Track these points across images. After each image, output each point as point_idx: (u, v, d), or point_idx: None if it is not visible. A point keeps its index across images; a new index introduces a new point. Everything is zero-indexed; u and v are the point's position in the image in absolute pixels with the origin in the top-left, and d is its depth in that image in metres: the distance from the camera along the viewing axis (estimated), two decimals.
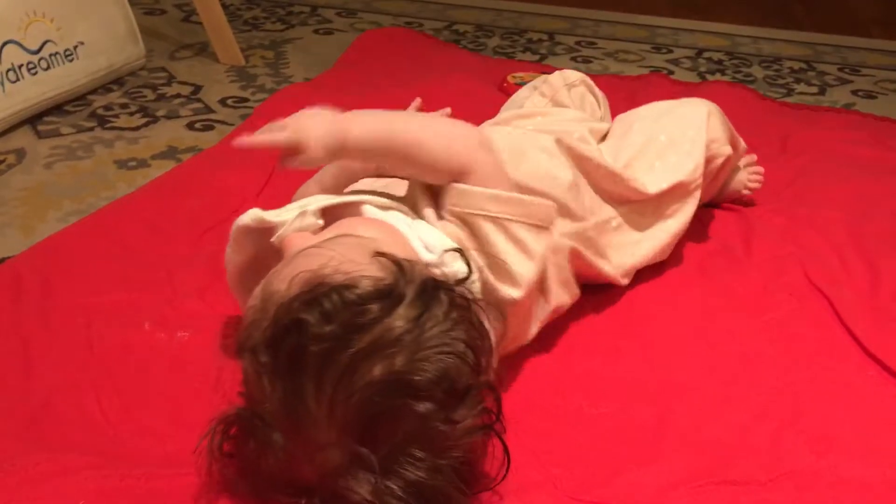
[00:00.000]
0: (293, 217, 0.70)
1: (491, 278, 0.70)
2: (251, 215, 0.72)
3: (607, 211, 0.88)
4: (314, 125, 0.71)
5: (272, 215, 0.71)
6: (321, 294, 0.56)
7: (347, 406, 0.55)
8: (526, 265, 0.72)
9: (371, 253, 0.62)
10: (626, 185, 0.88)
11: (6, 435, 0.68)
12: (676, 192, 0.91)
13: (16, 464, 0.64)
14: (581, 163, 0.86)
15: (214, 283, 0.88)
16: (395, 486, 0.55)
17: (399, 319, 0.56)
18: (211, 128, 1.29)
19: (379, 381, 0.55)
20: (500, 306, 0.70)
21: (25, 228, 0.99)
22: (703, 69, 1.70)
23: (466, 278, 0.65)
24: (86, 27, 1.35)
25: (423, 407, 0.55)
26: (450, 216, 0.72)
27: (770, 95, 1.53)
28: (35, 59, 1.26)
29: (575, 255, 0.81)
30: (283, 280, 0.59)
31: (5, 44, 1.21)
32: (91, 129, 1.26)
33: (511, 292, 0.71)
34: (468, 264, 0.67)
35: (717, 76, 1.66)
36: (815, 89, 1.61)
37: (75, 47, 1.33)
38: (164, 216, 0.99)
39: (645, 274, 0.93)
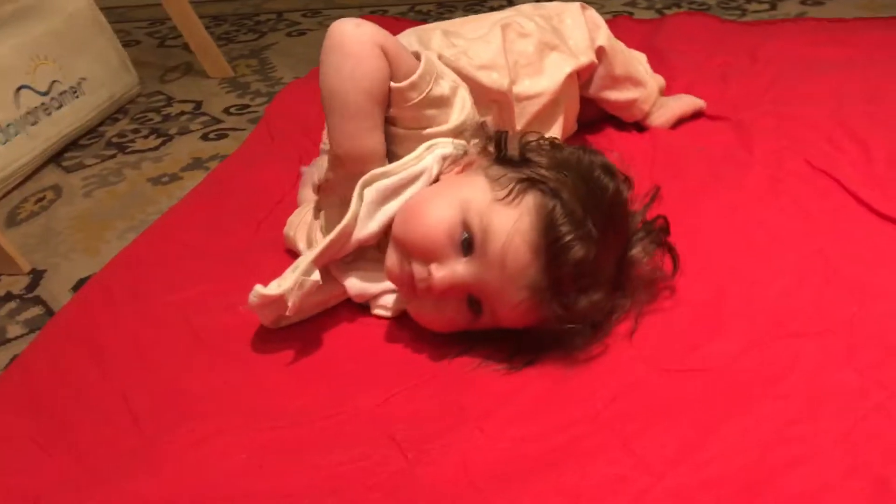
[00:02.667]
0: (290, 286, 0.77)
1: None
2: (255, 293, 0.78)
3: None
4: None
5: (273, 289, 0.78)
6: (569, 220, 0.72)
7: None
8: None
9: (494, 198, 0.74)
10: None
11: (148, 415, 0.75)
12: None
13: (171, 433, 0.72)
14: None
15: (289, 260, 0.95)
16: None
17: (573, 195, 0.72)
18: (225, 136, 1.36)
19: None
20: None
21: (90, 250, 1.06)
22: (659, 6, 1.80)
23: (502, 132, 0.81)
24: (84, 63, 1.41)
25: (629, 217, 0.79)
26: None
27: (728, 18, 1.63)
28: (47, 99, 1.32)
29: None
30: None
31: (20, 88, 1.27)
32: (113, 156, 1.32)
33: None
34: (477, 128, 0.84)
35: (674, 10, 1.76)
36: (766, 6, 1.72)
37: (79, 83, 1.39)
38: (218, 215, 1.07)
39: (667, 186, 1.01)
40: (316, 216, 0.95)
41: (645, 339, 0.77)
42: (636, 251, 0.79)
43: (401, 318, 0.84)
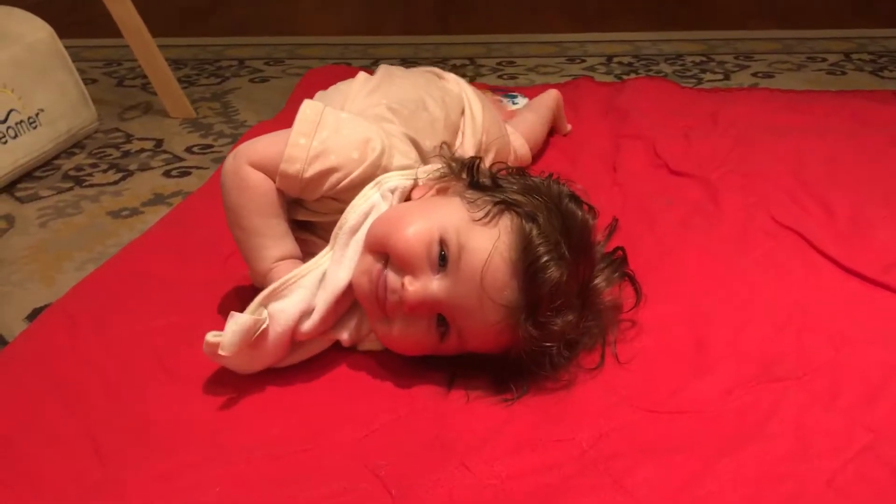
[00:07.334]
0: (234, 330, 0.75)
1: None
2: (209, 342, 0.75)
3: None
4: None
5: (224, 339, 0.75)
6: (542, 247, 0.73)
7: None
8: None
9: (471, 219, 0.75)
10: None
11: (114, 450, 0.70)
12: None
13: (138, 467, 0.68)
14: None
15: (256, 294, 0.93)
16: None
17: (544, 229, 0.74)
18: (188, 173, 1.33)
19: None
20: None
21: (46, 280, 1.01)
22: (617, 72, 1.85)
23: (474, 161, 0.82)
24: (44, 94, 1.37)
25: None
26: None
27: (684, 85, 1.69)
28: (3, 128, 1.28)
29: None
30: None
31: None
32: (70, 188, 1.28)
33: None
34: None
35: (632, 76, 1.81)
36: (720, 76, 1.78)
37: (37, 114, 1.35)
38: (185, 248, 1.03)
39: (640, 237, 1.03)
40: None
41: (626, 381, 0.77)
42: (599, 281, 0.81)
43: (384, 353, 0.82)
